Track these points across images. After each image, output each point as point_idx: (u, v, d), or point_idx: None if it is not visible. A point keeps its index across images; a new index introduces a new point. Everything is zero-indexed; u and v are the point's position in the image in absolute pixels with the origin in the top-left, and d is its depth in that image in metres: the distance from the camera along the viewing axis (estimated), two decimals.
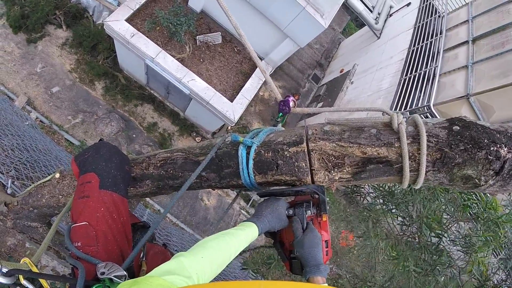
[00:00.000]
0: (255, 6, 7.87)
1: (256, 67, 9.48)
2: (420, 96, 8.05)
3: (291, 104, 1.75)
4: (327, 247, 1.53)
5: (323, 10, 7.22)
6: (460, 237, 3.24)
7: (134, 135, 10.84)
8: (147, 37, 8.37)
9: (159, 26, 8.58)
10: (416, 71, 8.81)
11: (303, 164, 1.45)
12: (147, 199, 10.00)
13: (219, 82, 9.00)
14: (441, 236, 3.07)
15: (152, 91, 11.52)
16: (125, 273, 1.30)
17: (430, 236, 3.14)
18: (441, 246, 3.06)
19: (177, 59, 8.54)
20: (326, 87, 13.68)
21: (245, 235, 1.39)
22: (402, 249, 3.24)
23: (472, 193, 3.07)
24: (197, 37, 9.02)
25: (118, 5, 9.61)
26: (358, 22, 16.61)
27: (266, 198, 1.65)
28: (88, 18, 11.42)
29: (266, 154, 1.54)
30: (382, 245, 3.35)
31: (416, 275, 2.99)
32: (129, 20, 8.44)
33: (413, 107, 7.65)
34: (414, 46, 9.79)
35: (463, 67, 7.81)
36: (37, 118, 9.90)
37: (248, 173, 1.58)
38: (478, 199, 3.04)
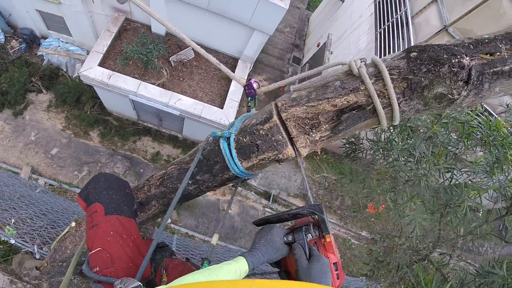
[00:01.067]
0: (215, 11, 7.93)
1: (236, 67, 9.58)
2: (400, 44, 8.08)
3: (255, 85, 1.79)
4: (336, 270, 1.42)
5: None
6: (474, 162, 3.19)
7: (141, 170, 10.97)
8: (124, 73, 8.49)
9: (132, 60, 8.68)
10: (388, 20, 8.82)
11: (280, 137, 1.47)
12: (172, 225, 10.15)
13: (205, 94, 9.09)
14: (451, 170, 3.07)
15: (145, 123, 11.64)
16: (139, 283, 1.37)
17: (441, 173, 3.15)
18: (456, 180, 3.05)
19: (158, 85, 8.64)
20: (309, 65, 13.72)
21: (229, 272, 1.32)
22: (417, 193, 3.27)
23: (474, 119, 3.07)
24: (170, 58, 9.11)
25: (88, 54, 9.74)
26: None
27: (262, 227, 1.58)
28: (64, 75, 11.61)
29: (244, 139, 1.58)
30: (404, 198, 3.37)
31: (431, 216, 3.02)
32: (102, 63, 8.56)
33: None
34: None
35: (432, 1, 7.82)
36: (45, 183, 10.08)
37: (234, 162, 1.62)
38: (480, 123, 3.05)
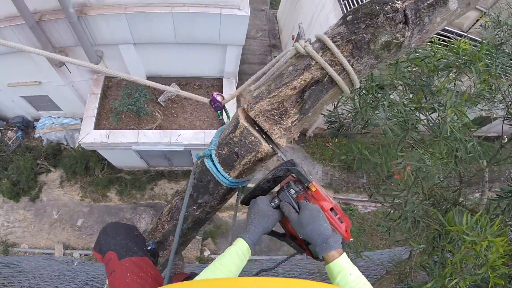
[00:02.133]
0: (185, 41, 8.06)
1: (222, 86, 9.69)
2: None
3: (219, 98, 1.86)
4: (336, 214, 1.45)
5: (236, 3, 7.34)
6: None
7: None
8: (120, 128, 8.63)
9: (123, 114, 8.83)
10: None
11: (252, 138, 1.51)
12: (212, 255, 10.21)
13: (202, 122, 9.19)
14: (435, 108, 3.07)
15: (157, 168, 11.81)
16: None
17: (427, 116, 3.16)
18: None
19: (156, 128, 8.77)
20: None
21: (231, 255, 1.36)
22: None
23: (436, 50, 3.07)
24: (158, 100, 9.25)
25: (81, 121, 9.93)
26: None
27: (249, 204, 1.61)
28: (66, 149, 11.82)
29: (223, 151, 1.65)
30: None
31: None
32: (97, 126, 8.71)
33: None
34: None
35: None
36: (80, 254, 10.29)
37: (222, 175, 1.69)
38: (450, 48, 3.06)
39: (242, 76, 12.18)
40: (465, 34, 7.70)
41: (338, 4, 9.32)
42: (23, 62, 8.50)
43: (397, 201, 3.88)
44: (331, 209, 1.45)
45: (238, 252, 1.38)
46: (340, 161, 12.09)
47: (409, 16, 1.27)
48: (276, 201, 1.52)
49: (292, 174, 1.51)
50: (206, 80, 9.85)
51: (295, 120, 1.50)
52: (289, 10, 14.39)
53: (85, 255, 10.37)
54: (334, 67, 1.34)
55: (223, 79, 9.74)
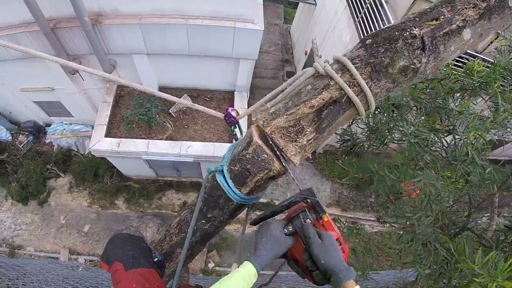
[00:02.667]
0: (198, 54, 8.11)
1: (233, 99, 9.71)
2: (381, 26, 8.12)
3: (234, 113, 1.87)
4: (340, 244, 1.47)
5: (250, 17, 7.38)
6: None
7: None
8: (131, 137, 8.67)
9: (134, 123, 8.88)
10: (363, 8, 8.89)
11: (265, 156, 1.51)
12: (217, 268, 10.17)
13: (212, 134, 9.21)
14: (451, 130, 3.04)
15: (165, 178, 11.84)
16: None
17: (441, 138, 3.13)
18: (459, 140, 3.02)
19: (166, 139, 8.80)
20: None
21: (237, 279, 1.35)
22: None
23: (451, 73, 3.07)
24: (170, 110, 9.30)
25: (92, 129, 10.00)
26: (291, 4, 16.78)
27: (259, 225, 1.62)
28: (76, 155, 11.90)
29: (236, 167, 1.64)
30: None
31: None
32: (108, 134, 8.76)
33: None
34: None
35: None
36: (85, 260, 10.32)
37: (233, 191, 1.69)
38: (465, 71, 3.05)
39: (253, 90, 12.22)
40: (480, 56, 7.68)
41: (352, 21, 9.36)
42: (36, 68, 8.61)
43: (408, 222, 3.84)
44: (337, 239, 1.47)
45: (246, 277, 1.37)
46: (349, 179, 12.03)
47: (427, 43, 1.32)
48: (290, 228, 1.53)
49: (307, 201, 1.53)
50: (217, 93, 9.89)
51: (310, 139, 1.51)
52: (303, 25, 14.47)
53: (90, 261, 10.41)
54: (353, 88, 1.37)
55: (235, 93, 9.76)
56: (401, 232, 4.16)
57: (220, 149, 8.53)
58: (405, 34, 1.31)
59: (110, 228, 11.05)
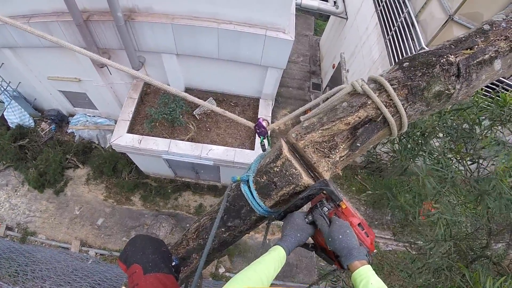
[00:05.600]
0: (227, 59, 8.13)
1: (258, 106, 9.68)
2: (411, 45, 8.06)
3: (264, 124, 1.85)
4: (363, 229, 1.56)
5: (282, 26, 7.36)
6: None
7: (187, 225, 11.07)
8: (153, 136, 8.72)
9: (158, 122, 8.91)
10: (394, 26, 8.85)
11: (293, 170, 1.52)
12: (227, 273, 10.12)
13: (234, 140, 9.19)
14: (475, 160, 2.99)
15: (183, 179, 11.86)
16: None
17: (466, 166, 3.08)
18: (484, 169, 2.98)
19: (188, 140, 8.82)
20: (328, 88, 13.76)
21: (271, 258, 1.44)
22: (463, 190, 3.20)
23: (480, 102, 3.03)
24: (194, 112, 9.31)
25: (115, 123, 10.07)
26: (322, 16, 16.79)
27: (284, 218, 1.68)
28: (97, 147, 12.00)
29: (262, 179, 1.64)
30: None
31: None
32: (131, 130, 8.82)
33: None
34: (379, 6, 9.87)
35: None
36: (96, 253, 10.36)
37: (257, 202, 1.68)
38: (488, 104, 3.00)
39: (278, 99, 12.20)
40: (506, 81, 7.56)
41: (382, 38, 9.29)
42: (66, 57, 8.74)
43: (422, 244, 3.81)
44: (359, 224, 1.56)
45: (276, 257, 1.46)
46: (367, 195, 11.90)
47: (461, 70, 1.40)
48: (310, 217, 1.61)
49: (323, 192, 1.58)
50: (242, 99, 9.88)
51: (343, 155, 1.53)
52: (332, 38, 14.43)
53: (101, 254, 10.46)
54: (389, 108, 1.41)
55: (260, 100, 9.75)
56: (414, 253, 4.12)
57: (241, 155, 8.50)
58: (442, 61, 1.38)
59: (124, 223, 11.10)
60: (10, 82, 10.61)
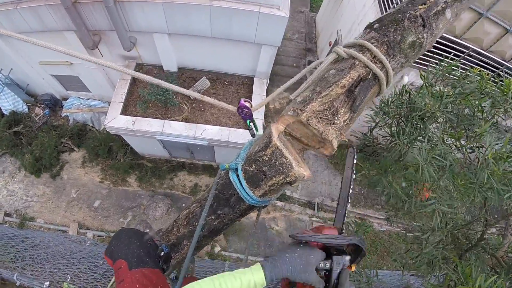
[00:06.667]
0: (220, 37, 7.99)
1: (252, 85, 9.58)
2: None
3: (248, 105, 1.78)
4: None
5: (276, 3, 7.21)
6: None
7: (183, 205, 11.13)
8: (146, 117, 8.65)
9: (151, 102, 8.83)
10: (392, 3, 8.66)
11: (283, 160, 1.46)
12: (223, 252, 10.20)
13: (228, 119, 9.12)
14: (474, 148, 2.93)
15: (178, 159, 11.86)
16: None
17: (465, 154, 3.01)
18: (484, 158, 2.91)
19: (182, 120, 8.74)
20: None
21: (241, 284, 1.28)
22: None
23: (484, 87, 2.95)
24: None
25: (109, 105, 10.00)
26: None
27: (302, 243, 1.49)
28: (91, 130, 11.96)
29: (251, 168, 1.57)
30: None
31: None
32: (124, 112, 8.74)
33: None
34: None
35: None
36: (94, 235, 10.45)
37: (246, 192, 1.61)
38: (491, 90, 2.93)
39: (273, 77, 12.05)
40: (506, 64, 7.45)
41: (380, 16, 9.08)
42: (56, 41, 8.55)
43: (418, 234, 3.77)
44: None
45: (251, 284, 1.30)
46: (362, 175, 11.90)
47: (426, 20, 1.56)
48: (328, 265, 1.44)
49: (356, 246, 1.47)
50: (237, 77, 9.77)
51: (346, 119, 1.51)
52: (329, 15, 14.20)
53: (98, 236, 10.53)
54: (375, 63, 1.48)
55: (255, 78, 9.64)
56: (410, 241, 4.11)
57: (236, 135, 8.45)
58: (407, 15, 1.53)
59: (121, 204, 11.15)
60: (1, 69, 10.53)
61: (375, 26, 1.58)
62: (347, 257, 1.43)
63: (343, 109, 1.47)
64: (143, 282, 1.70)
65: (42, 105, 12.15)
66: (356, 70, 1.47)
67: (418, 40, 1.54)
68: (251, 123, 1.84)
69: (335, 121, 1.46)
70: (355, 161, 1.69)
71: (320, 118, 1.45)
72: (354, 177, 1.79)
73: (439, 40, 7.24)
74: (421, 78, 3.21)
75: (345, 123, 1.50)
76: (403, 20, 1.52)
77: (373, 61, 1.47)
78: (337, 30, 11.76)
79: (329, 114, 1.46)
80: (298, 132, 1.51)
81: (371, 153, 3.75)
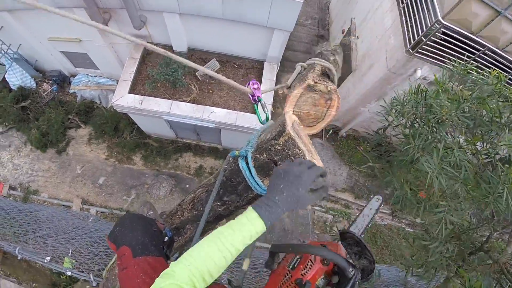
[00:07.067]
0: (231, 19, 7.87)
1: (263, 69, 9.48)
2: (426, 16, 7.73)
3: (256, 86, 1.72)
4: None
5: None
6: None
7: (187, 186, 11.13)
8: (154, 96, 8.60)
9: (159, 82, 8.77)
10: None
11: (296, 150, 1.39)
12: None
13: (236, 103, 9.06)
14: (491, 154, 2.84)
15: (184, 140, 11.83)
16: None
17: (480, 161, 2.93)
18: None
19: (189, 102, 8.69)
20: None
21: (243, 237, 1.21)
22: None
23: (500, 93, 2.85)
24: (196, 73, 9.15)
25: (117, 83, 9.96)
26: None
27: (282, 169, 1.35)
28: (98, 107, 11.96)
29: (261, 156, 1.50)
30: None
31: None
32: (132, 90, 8.70)
33: (425, 29, 7.33)
34: None
35: None
36: (97, 211, 10.52)
37: (255, 181, 1.54)
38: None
39: (284, 63, 11.91)
40: None
41: (396, 6, 8.91)
42: (65, 18, 8.49)
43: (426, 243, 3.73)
44: None
45: (253, 236, 1.23)
46: (367, 168, 11.83)
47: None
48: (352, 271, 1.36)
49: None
50: (247, 61, 9.67)
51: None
52: (344, 2, 13.96)
53: (101, 212, 10.62)
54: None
55: (265, 63, 9.53)
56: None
57: (243, 119, 8.39)
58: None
59: (125, 182, 11.20)
60: (10, 44, 10.46)
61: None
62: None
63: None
64: (147, 271, 1.68)
65: (50, 81, 12.17)
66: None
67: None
68: (259, 106, 1.79)
69: (329, 82, 1.78)
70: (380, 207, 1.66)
71: (319, 80, 1.73)
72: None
73: (454, 35, 7.05)
74: (436, 83, 3.10)
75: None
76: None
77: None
78: (351, 18, 11.60)
79: (322, 80, 1.76)
80: (307, 105, 1.56)
81: (383, 152, 3.66)
